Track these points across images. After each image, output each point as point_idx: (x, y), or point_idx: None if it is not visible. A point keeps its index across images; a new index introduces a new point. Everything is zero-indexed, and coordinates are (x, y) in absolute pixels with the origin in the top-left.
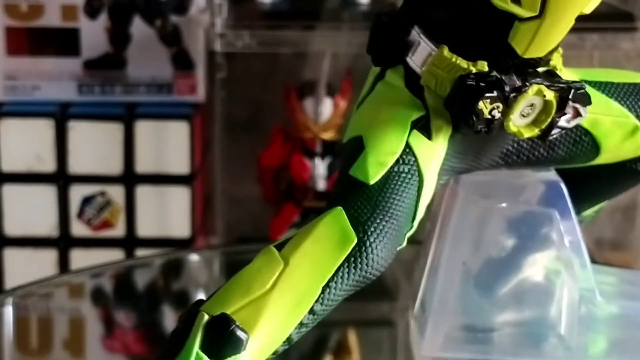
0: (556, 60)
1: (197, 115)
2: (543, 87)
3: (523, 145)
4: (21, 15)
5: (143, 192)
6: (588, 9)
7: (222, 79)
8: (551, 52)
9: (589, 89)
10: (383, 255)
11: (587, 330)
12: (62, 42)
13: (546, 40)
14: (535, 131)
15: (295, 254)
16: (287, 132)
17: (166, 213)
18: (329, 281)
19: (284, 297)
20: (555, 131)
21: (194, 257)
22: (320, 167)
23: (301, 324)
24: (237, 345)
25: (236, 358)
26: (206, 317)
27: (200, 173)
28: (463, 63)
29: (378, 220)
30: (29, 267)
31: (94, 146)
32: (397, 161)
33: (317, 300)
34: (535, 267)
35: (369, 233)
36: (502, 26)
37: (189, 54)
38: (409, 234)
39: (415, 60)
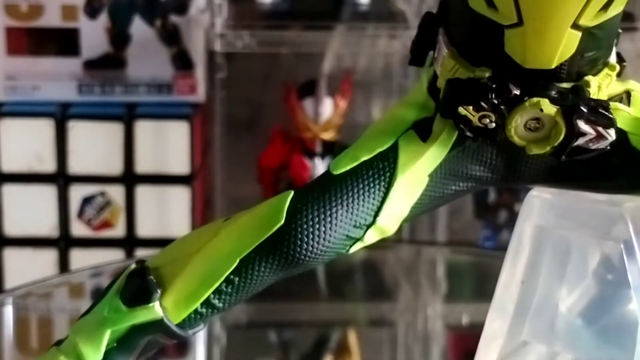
0: (601, 78)
1: (197, 115)
2: (544, 101)
3: (576, 165)
4: (21, 15)
5: (143, 192)
6: (588, 21)
7: (222, 79)
8: (584, 65)
9: None
10: (312, 242)
11: None
12: (62, 42)
13: (540, 49)
14: (547, 148)
15: (229, 225)
16: (287, 132)
17: (166, 213)
18: (247, 256)
19: (202, 261)
20: (573, 151)
21: None
22: (320, 167)
23: (220, 292)
24: (146, 296)
25: (145, 307)
26: (132, 267)
27: (200, 173)
28: (465, 68)
29: (316, 207)
30: (29, 267)
31: (94, 146)
32: (375, 157)
33: (233, 272)
34: (634, 301)
35: (298, 217)
36: (497, 33)
37: (189, 54)
38: (374, 232)
39: (437, 61)
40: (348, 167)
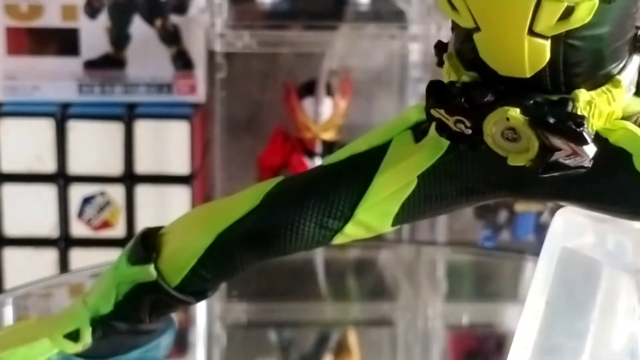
0: (597, 93)
1: (197, 115)
2: (513, 110)
3: (579, 185)
4: (21, 15)
5: (143, 192)
6: (547, 29)
7: (222, 79)
8: (575, 77)
9: None
10: (280, 227)
11: None
12: (62, 42)
13: (504, 56)
14: (525, 161)
15: (220, 200)
16: (287, 132)
17: (166, 213)
18: (224, 232)
19: (189, 232)
20: (550, 166)
21: None
22: None
23: (203, 263)
24: (142, 257)
25: (142, 267)
26: (145, 229)
27: (200, 173)
28: (456, 71)
29: (290, 194)
30: (29, 267)
31: (94, 146)
32: (365, 152)
33: (212, 245)
34: None
35: (269, 202)
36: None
37: (189, 54)
38: (355, 227)
39: None
40: (337, 160)
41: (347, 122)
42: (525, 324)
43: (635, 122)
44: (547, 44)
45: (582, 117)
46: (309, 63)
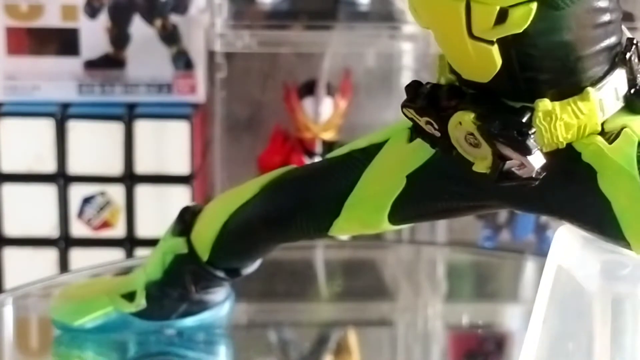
0: (559, 104)
1: (197, 115)
2: (467, 116)
3: (551, 203)
4: (21, 15)
5: (143, 192)
6: (484, 33)
7: (222, 79)
8: (539, 86)
9: None
10: (274, 217)
11: None
12: (62, 42)
13: (456, 59)
14: (485, 167)
15: (241, 185)
16: (287, 132)
17: (166, 213)
18: (233, 214)
19: (212, 211)
20: (504, 175)
21: None
22: None
23: (221, 242)
24: (178, 231)
25: (178, 239)
26: (191, 204)
27: (200, 173)
28: (440, 72)
29: (287, 185)
30: (29, 267)
31: (94, 146)
32: (363, 149)
33: (225, 225)
34: None
35: (268, 191)
36: None
37: (189, 54)
38: (349, 220)
39: None
40: (337, 154)
41: (347, 122)
42: (529, 339)
43: (608, 138)
44: (493, 48)
45: (529, 126)
46: (309, 63)
